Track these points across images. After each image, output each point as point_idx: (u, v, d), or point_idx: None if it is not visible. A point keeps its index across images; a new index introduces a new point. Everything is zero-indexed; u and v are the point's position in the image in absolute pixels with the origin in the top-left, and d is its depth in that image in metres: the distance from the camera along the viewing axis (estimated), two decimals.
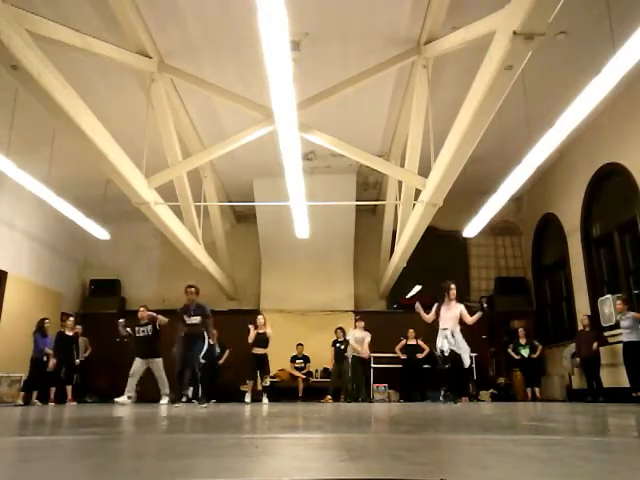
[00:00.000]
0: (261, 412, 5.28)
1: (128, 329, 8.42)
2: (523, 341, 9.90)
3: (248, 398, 9.21)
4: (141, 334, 8.49)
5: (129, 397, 8.16)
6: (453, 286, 7.45)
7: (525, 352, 9.80)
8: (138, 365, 8.29)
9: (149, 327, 8.51)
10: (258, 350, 9.35)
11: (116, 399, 8.12)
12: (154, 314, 8.46)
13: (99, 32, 5.91)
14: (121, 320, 8.45)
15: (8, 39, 4.20)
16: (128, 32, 6.24)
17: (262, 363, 9.37)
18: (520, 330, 10.04)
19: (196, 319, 7.36)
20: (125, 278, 12.48)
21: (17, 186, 7.77)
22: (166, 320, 8.36)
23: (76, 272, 12.33)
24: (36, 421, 4.10)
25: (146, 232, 11.63)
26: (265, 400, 9.19)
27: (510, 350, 9.99)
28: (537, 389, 9.74)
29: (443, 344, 7.23)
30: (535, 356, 9.83)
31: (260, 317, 9.63)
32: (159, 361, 8.39)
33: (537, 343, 9.95)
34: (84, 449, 2.05)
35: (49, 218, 10.19)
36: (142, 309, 8.76)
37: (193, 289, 7.49)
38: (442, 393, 7.47)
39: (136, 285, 12.39)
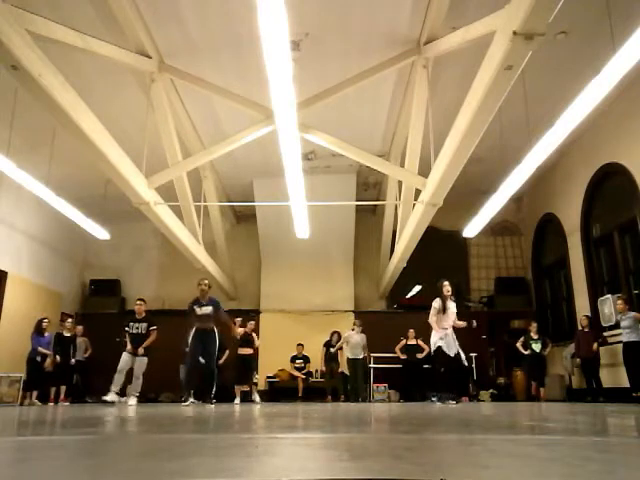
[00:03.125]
0: (260, 412, 5.28)
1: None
2: (535, 336, 9.61)
3: (237, 400, 9.00)
4: (134, 331, 8.15)
5: (117, 393, 7.87)
6: (446, 283, 7.29)
7: (537, 347, 9.52)
8: (127, 360, 7.95)
9: (144, 325, 8.21)
10: (243, 350, 9.16)
11: (104, 397, 7.82)
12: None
13: (99, 32, 5.91)
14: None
15: (8, 39, 4.21)
16: (128, 32, 6.25)
17: (248, 364, 9.20)
18: (532, 325, 9.76)
19: (208, 309, 7.32)
20: (125, 278, 12.49)
21: (17, 186, 7.77)
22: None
23: (76, 272, 12.33)
24: (35, 421, 4.10)
25: (146, 232, 11.63)
26: (257, 399, 9.09)
27: (519, 344, 9.66)
28: (542, 389, 9.50)
29: (440, 342, 7.06)
30: (546, 353, 9.59)
31: (252, 322, 9.62)
32: (145, 360, 8.05)
33: (548, 340, 9.71)
34: (84, 449, 2.05)
35: (49, 218, 10.20)
36: (140, 303, 8.38)
37: (207, 281, 7.57)
38: (437, 396, 7.47)
39: (136, 285, 12.38)
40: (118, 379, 7.89)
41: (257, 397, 9.17)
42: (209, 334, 7.37)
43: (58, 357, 9.22)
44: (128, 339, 8.17)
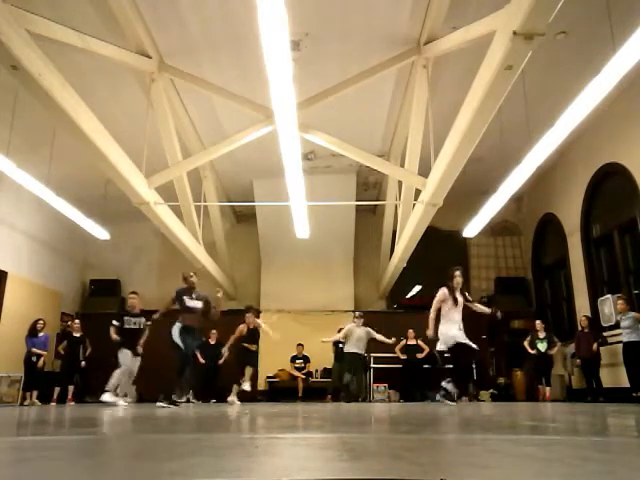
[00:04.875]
0: (260, 412, 5.28)
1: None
2: (542, 335, 9.34)
3: (234, 398, 8.30)
4: (132, 326, 7.50)
5: (125, 395, 7.56)
6: (457, 272, 6.41)
7: (542, 347, 9.25)
8: (130, 358, 7.39)
9: (142, 320, 7.64)
10: (250, 345, 8.57)
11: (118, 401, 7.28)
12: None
13: (99, 32, 5.91)
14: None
15: (8, 39, 4.21)
16: (128, 32, 6.25)
17: (252, 356, 8.60)
18: (537, 323, 9.51)
19: (199, 304, 6.75)
20: (125, 278, 12.48)
21: (17, 186, 7.77)
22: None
23: (76, 272, 12.33)
24: (35, 421, 4.10)
25: (146, 232, 11.63)
26: (234, 399, 8.22)
27: (526, 343, 9.44)
28: (548, 388, 9.24)
29: (456, 335, 6.18)
30: (552, 352, 9.26)
31: (249, 315, 8.68)
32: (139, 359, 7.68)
33: (556, 339, 9.40)
34: (84, 449, 2.05)
35: (49, 218, 10.20)
36: (133, 296, 7.74)
37: (194, 273, 7.00)
38: (442, 393, 6.56)
39: (136, 285, 12.32)
40: (126, 382, 7.46)
41: (235, 398, 8.26)
42: (195, 331, 6.82)
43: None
44: (120, 335, 7.42)
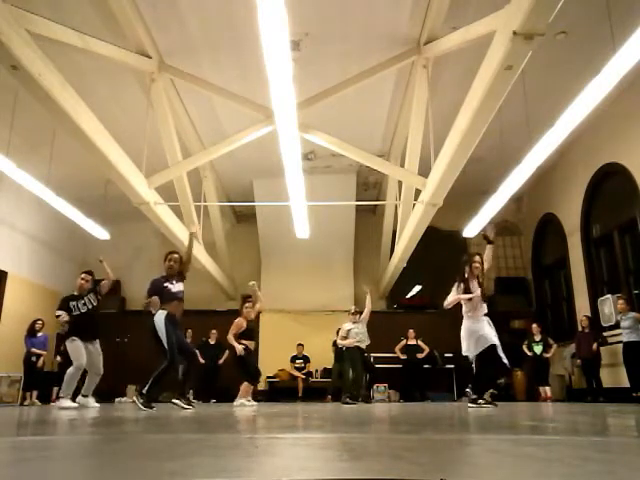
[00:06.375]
0: (259, 413, 5.28)
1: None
2: (537, 338, 9.46)
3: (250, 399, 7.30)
4: (83, 309, 6.22)
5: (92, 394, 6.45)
6: (477, 258, 5.48)
7: (538, 349, 9.37)
8: (83, 349, 6.13)
9: (92, 296, 6.33)
10: (250, 343, 7.42)
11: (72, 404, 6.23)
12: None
13: (99, 32, 5.92)
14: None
15: (8, 39, 4.21)
16: (128, 32, 6.25)
17: (253, 358, 7.68)
18: (534, 326, 9.60)
19: (182, 286, 5.68)
20: (125, 278, 12.47)
21: (17, 186, 7.78)
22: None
23: (76, 272, 12.26)
24: (36, 421, 4.10)
25: (146, 232, 11.62)
26: (239, 402, 7.15)
27: (524, 346, 9.56)
28: (547, 388, 9.35)
29: (490, 335, 5.37)
30: (548, 355, 9.35)
31: (248, 305, 7.52)
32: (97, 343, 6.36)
33: (551, 341, 9.51)
34: (84, 449, 2.05)
35: (49, 218, 10.20)
36: (86, 277, 6.42)
37: (177, 255, 5.77)
38: (488, 398, 5.89)
39: (136, 285, 12.36)
40: (75, 380, 6.22)
41: (242, 400, 7.16)
42: (178, 322, 5.63)
43: (59, 357, 9.17)
44: (69, 323, 6.16)
